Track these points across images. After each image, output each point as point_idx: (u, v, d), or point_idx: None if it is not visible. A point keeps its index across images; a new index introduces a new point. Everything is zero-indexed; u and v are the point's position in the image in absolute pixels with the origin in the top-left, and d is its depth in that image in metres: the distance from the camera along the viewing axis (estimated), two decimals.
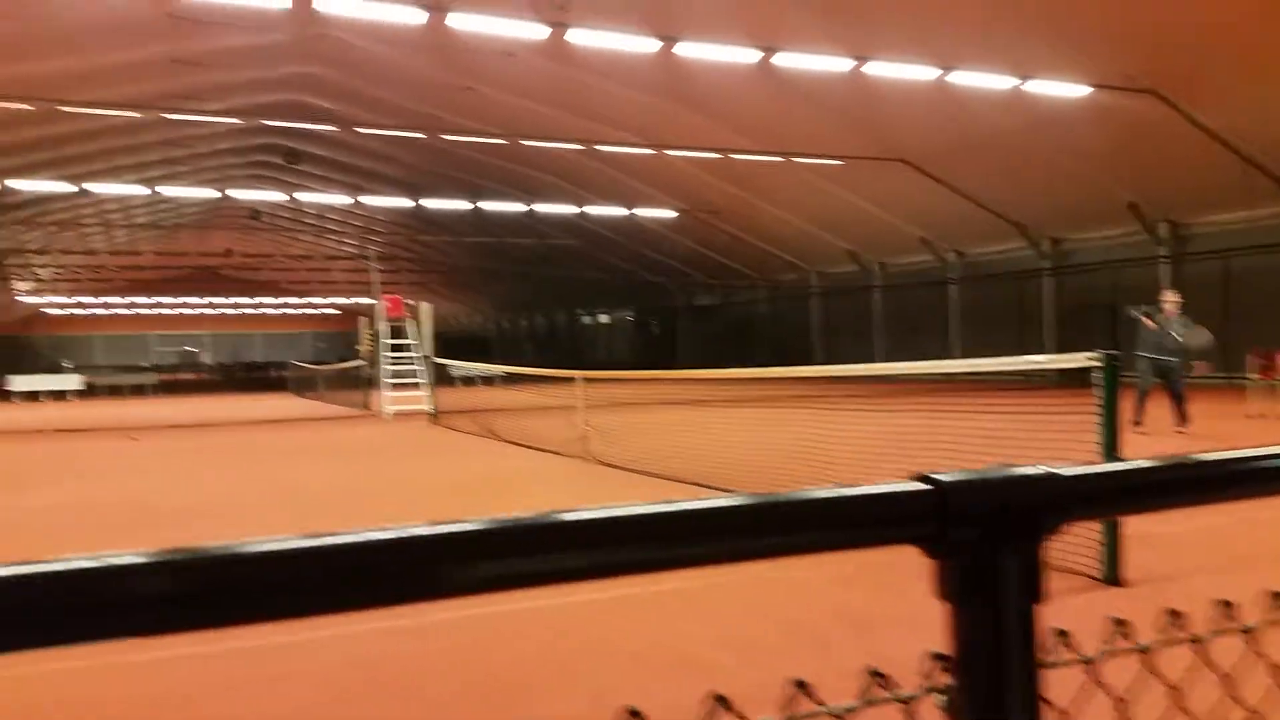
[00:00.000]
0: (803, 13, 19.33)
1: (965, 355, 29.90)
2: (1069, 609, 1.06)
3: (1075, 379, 5.74)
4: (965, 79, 20.63)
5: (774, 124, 25.50)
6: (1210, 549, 6.06)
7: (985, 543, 0.91)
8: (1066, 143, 23.41)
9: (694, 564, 0.85)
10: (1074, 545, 5.23)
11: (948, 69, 20.27)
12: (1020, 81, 20.55)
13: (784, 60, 20.13)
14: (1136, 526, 5.38)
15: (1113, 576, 5.11)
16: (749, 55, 19.90)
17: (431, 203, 36.69)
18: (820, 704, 0.98)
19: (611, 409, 14.38)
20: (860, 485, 0.91)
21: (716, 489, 8.90)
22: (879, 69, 20.44)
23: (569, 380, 13.77)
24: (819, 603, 5.25)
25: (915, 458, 7.02)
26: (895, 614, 5.07)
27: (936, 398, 14.59)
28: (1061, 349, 26.51)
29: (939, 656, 0.97)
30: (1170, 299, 13.63)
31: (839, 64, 20.25)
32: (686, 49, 19.76)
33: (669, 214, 35.09)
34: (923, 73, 20.47)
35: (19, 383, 35.84)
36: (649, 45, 19.54)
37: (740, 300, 43.63)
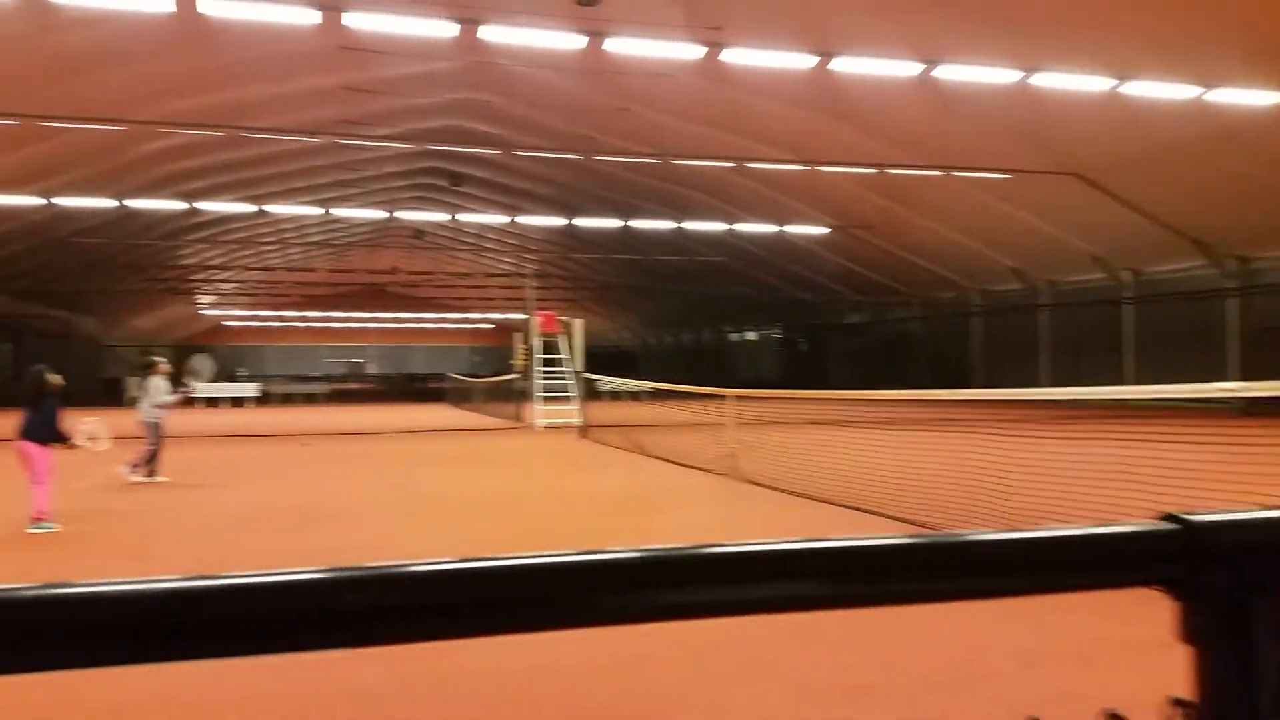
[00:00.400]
0: (967, 24, 18.72)
1: (1139, 380, 28.18)
2: None
3: (1265, 408, 5.25)
4: (1142, 89, 19.55)
5: (934, 137, 24.78)
6: None
7: (1238, 586, 0.84)
8: (1255, 154, 21.78)
9: (924, 600, 0.80)
10: None
11: (1123, 79, 19.25)
12: (1203, 90, 19.30)
13: (946, 73, 19.55)
14: None
15: None
16: (909, 69, 19.43)
17: (583, 221, 37.40)
18: None
19: (760, 427, 14.19)
20: (1092, 524, 0.85)
21: (874, 514, 8.62)
22: (1049, 80, 19.62)
23: (718, 397, 13.69)
24: (984, 635, 4.98)
25: (1098, 490, 6.58)
26: (1061, 649, 4.77)
27: (1108, 425, 13.71)
28: (1246, 375, 24.61)
29: (1180, 702, 0.89)
30: None
31: (1006, 75, 19.53)
32: (843, 64, 19.46)
33: (820, 230, 34.59)
34: (1096, 83, 19.52)
35: (202, 389, 38.47)
36: (804, 61, 19.35)
37: (893, 318, 42.49)
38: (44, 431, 8.85)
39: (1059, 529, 0.83)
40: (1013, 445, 9.36)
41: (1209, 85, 19.17)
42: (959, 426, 13.81)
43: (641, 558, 0.72)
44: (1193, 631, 0.85)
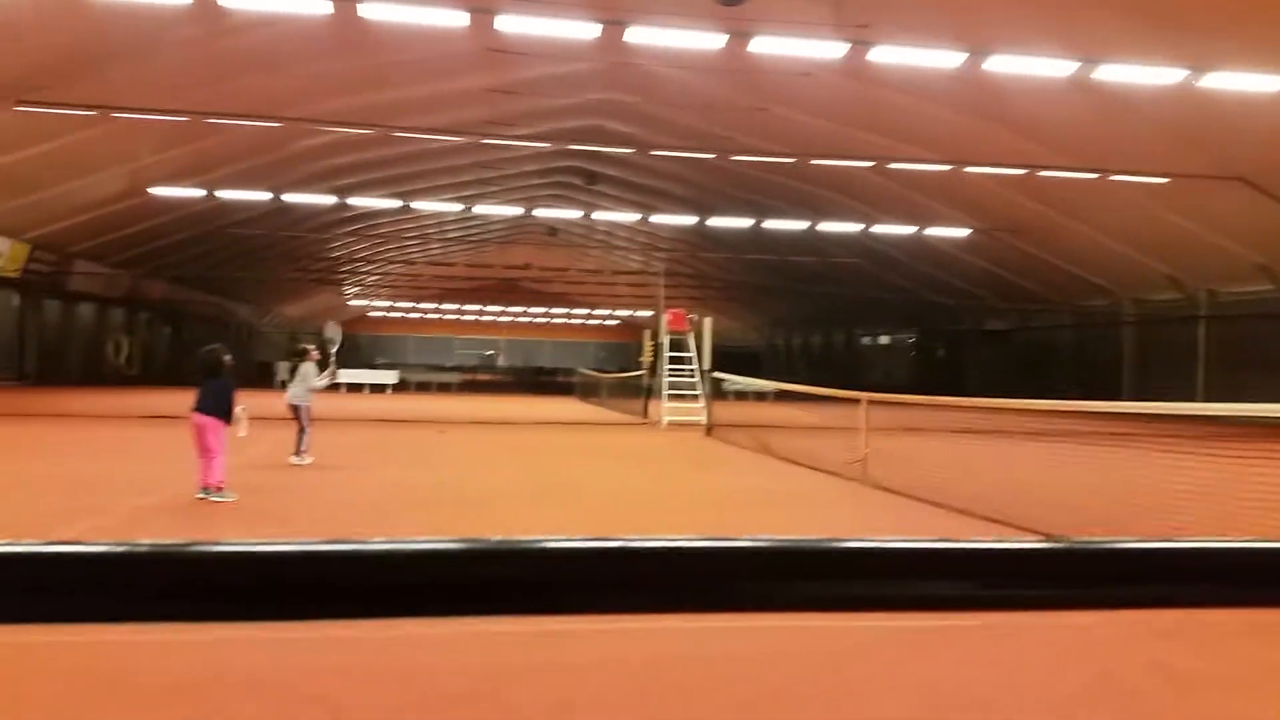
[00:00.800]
0: (1129, 22, 17.79)
1: None
2: None
3: None
4: None
5: (1089, 139, 23.65)
6: None
7: None
8: None
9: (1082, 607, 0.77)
10: None
11: None
12: None
13: (1105, 72, 18.61)
14: None
15: None
16: (1065, 68, 18.59)
17: (715, 221, 37.27)
18: None
19: (892, 433, 13.83)
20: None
21: (1016, 527, 8.26)
22: (1215, 80, 18.44)
23: (849, 401, 13.39)
24: (1131, 655, 4.70)
25: (1263, 515, 6.14)
26: (1218, 674, 4.45)
27: (1275, 446, 12.82)
28: None
29: None
30: None
31: (1168, 75, 18.46)
32: (995, 63, 18.77)
33: (961, 232, 33.50)
34: (1266, 82, 18.24)
35: (345, 375, 40.13)
36: (953, 59, 18.74)
37: (1038, 326, 40.78)
38: (219, 407, 9.23)
39: (1250, 540, 0.76)
40: (1167, 462, 8.84)
41: None
42: (1109, 441, 13.16)
43: (781, 547, 0.72)
44: None
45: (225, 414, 9.29)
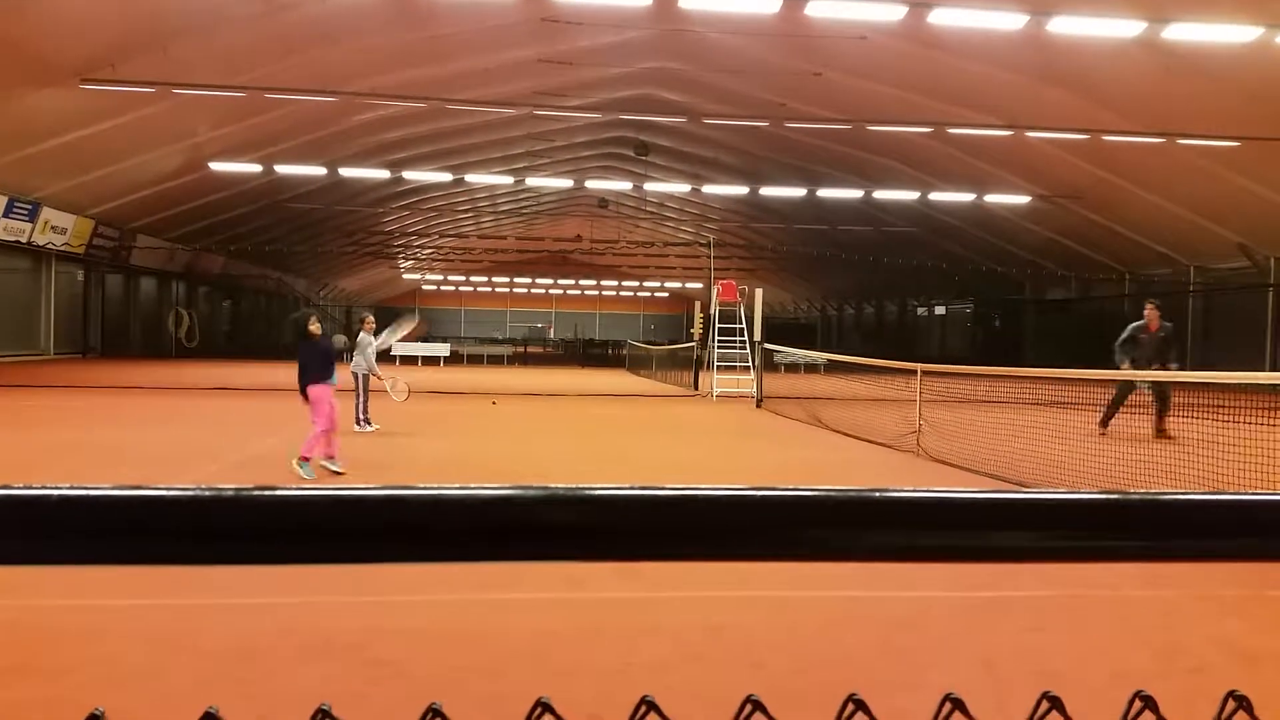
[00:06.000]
0: None
1: None
2: None
3: None
4: None
5: (1155, 101, 22.92)
6: None
7: None
8: None
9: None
10: None
11: None
12: None
13: (1175, 32, 17.98)
14: None
15: None
16: (1132, 28, 17.99)
17: (768, 190, 36.89)
18: None
19: (947, 404, 13.63)
20: None
21: None
22: None
23: (903, 372, 13.21)
24: (1195, 628, 4.60)
25: None
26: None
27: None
28: None
29: None
30: None
31: (1243, 33, 17.77)
32: (1060, 24, 18.23)
33: (1022, 199, 32.77)
34: None
35: (398, 348, 40.57)
36: (1016, 21, 18.24)
37: (1101, 295, 39.85)
38: (321, 374, 9.12)
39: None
40: (1236, 435, 8.60)
41: None
42: (1176, 412, 12.86)
43: (842, 496, 0.74)
44: None
45: (327, 379, 9.16)
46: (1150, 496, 0.75)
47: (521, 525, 0.71)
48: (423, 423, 14.58)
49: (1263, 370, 27.32)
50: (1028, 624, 4.75)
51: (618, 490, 0.73)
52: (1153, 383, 13.09)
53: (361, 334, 13.77)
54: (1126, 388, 13.54)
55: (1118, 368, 13.36)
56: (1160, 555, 0.76)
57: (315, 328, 9.51)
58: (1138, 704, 0.85)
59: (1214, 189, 27.47)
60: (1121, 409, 13.36)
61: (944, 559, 0.76)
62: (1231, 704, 0.85)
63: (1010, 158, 29.76)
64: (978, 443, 10.63)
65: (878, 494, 0.75)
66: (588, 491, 0.72)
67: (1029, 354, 39.99)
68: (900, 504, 0.75)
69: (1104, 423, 13.23)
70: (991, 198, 32.98)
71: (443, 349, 41.88)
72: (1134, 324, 14.11)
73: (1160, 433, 12.81)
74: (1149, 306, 14.08)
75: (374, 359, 13.47)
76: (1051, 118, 24.48)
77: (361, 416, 13.23)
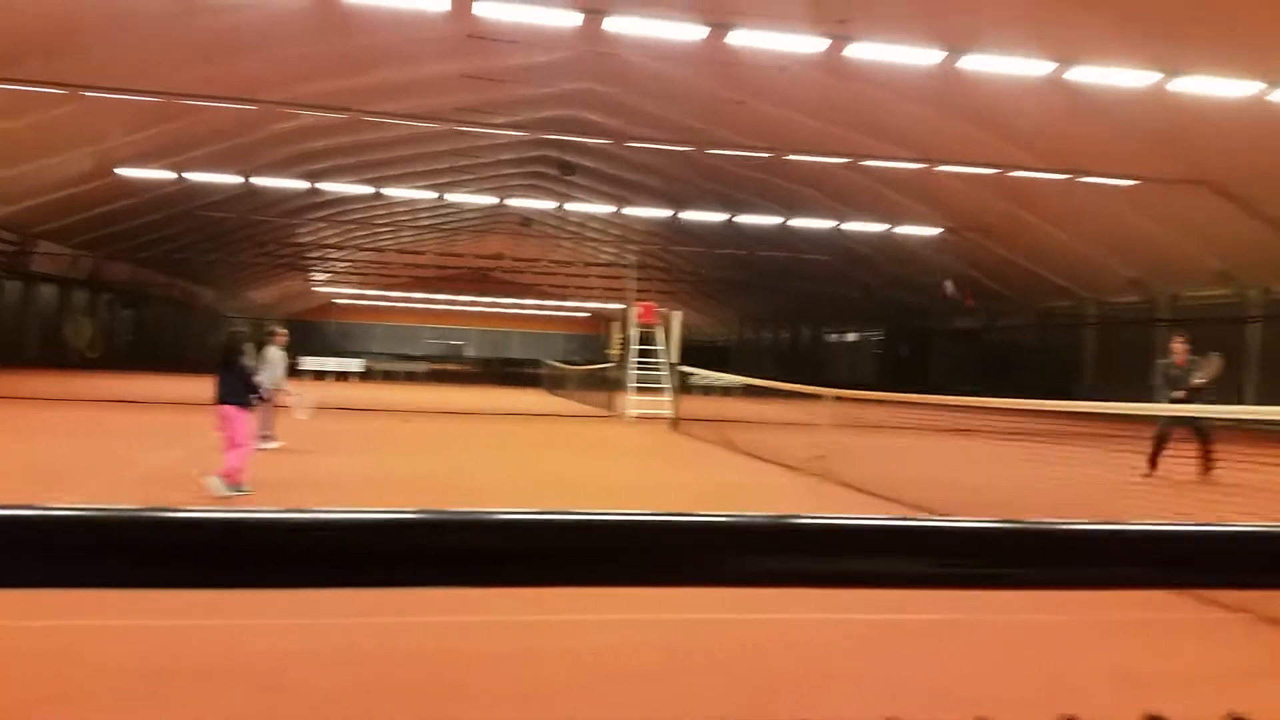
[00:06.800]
0: (1104, 23, 18.04)
1: (1261, 401, 26.80)
2: None
3: None
4: None
5: (1060, 140, 23.98)
6: None
7: None
8: None
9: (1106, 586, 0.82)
10: None
11: (1271, 84, 18.28)
12: None
13: (1080, 74, 18.86)
14: None
15: None
16: (1041, 68, 18.81)
17: (688, 214, 37.32)
18: None
19: (855, 430, 13.96)
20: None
21: None
22: (1187, 84, 18.76)
23: (814, 397, 13.49)
24: (1083, 654, 4.82)
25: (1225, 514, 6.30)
26: (1170, 672, 4.57)
27: (1227, 446, 13.13)
28: None
29: None
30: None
31: (1142, 78, 18.74)
32: (972, 61, 18.96)
33: (931, 231, 33.82)
34: (1238, 88, 18.58)
35: (309, 363, 39.71)
36: (931, 57, 18.90)
37: (1004, 326, 41.30)
38: (240, 394, 8.97)
39: (1237, 525, 0.79)
40: (1119, 461, 9.03)
41: None
42: (1068, 439, 13.38)
43: (736, 523, 0.76)
44: None
45: (246, 401, 9.04)
46: (1042, 526, 0.79)
47: (413, 550, 0.69)
48: (329, 440, 14.32)
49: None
50: (922, 645, 4.89)
51: (516, 515, 0.72)
52: (1192, 418, 12.42)
53: (271, 348, 13.47)
54: (1169, 424, 12.81)
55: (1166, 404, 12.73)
56: (1052, 584, 0.81)
57: (245, 349, 9.39)
58: None
59: (1111, 226, 28.79)
60: (1165, 446, 12.66)
61: (855, 585, 0.77)
62: None
63: (921, 190, 30.72)
64: (887, 469, 10.91)
65: (790, 521, 0.76)
66: (485, 516, 0.71)
67: (934, 381, 41.14)
68: (810, 530, 0.77)
69: (1151, 463, 12.52)
70: (903, 229, 33.96)
71: (355, 365, 41.16)
72: (1162, 361, 13.55)
73: (1207, 470, 12.27)
74: (1176, 340, 13.57)
75: (281, 374, 13.21)
76: (961, 152, 25.36)
77: (265, 433, 12.94)
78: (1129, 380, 32.54)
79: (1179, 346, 13.31)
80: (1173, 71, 18.40)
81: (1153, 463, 12.41)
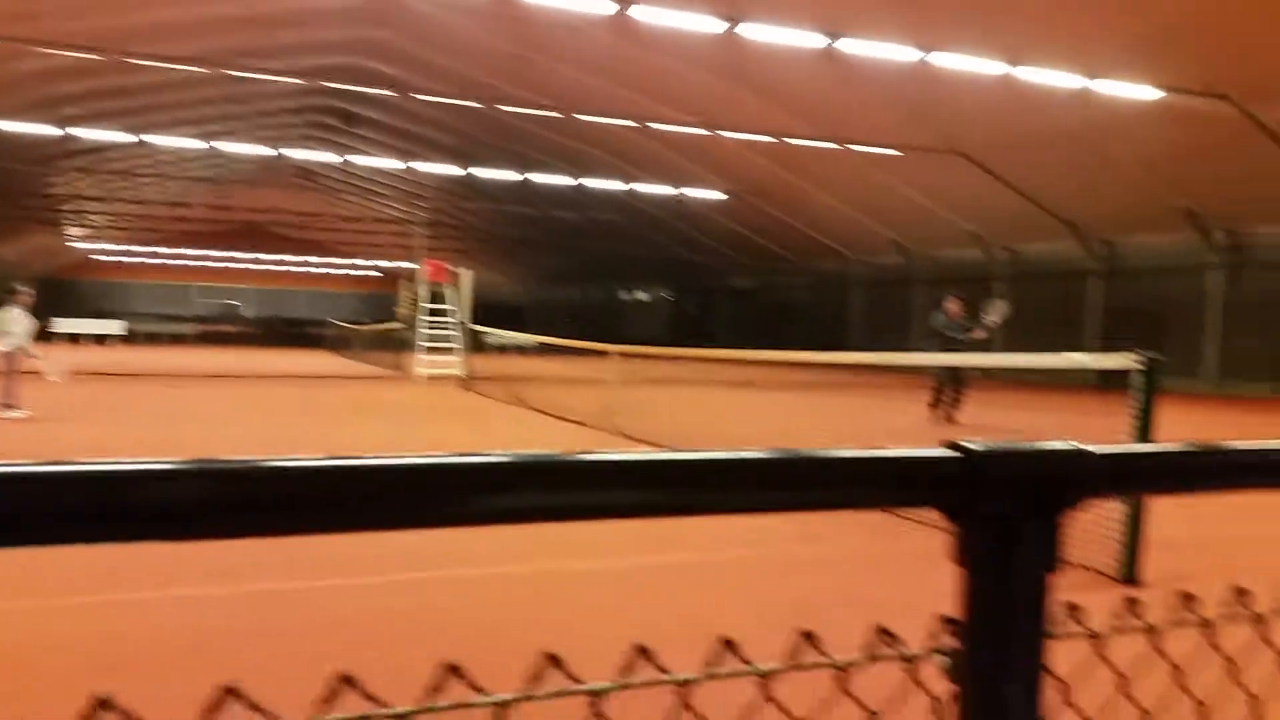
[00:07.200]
0: (873, 0, 19.13)
1: (1007, 353, 29.53)
2: (1081, 602, 1.10)
3: (1118, 381, 5.72)
4: (1032, 75, 20.33)
5: (832, 110, 25.30)
6: (1233, 556, 6.02)
7: (1009, 511, 0.92)
8: (1130, 145, 23.01)
9: (721, 511, 0.90)
10: (1094, 545, 5.23)
11: (1015, 64, 19.99)
12: (1089, 80, 20.21)
13: (849, 46, 19.92)
14: (1159, 532, 5.35)
15: (1130, 576, 5.11)
16: (814, 40, 19.71)
17: (480, 171, 36.84)
18: (825, 655, 1.03)
19: (644, 385, 14.43)
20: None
21: None
22: (945, 60, 20.20)
23: (603, 354, 13.85)
24: (833, 583, 5.31)
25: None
26: (910, 600, 5.10)
27: (974, 393, 14.49)
28: (1106, 352, 26.12)
29: (947, 620, 1.00)
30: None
31: (905, 53, 20.03)
32: (750, 30, 19.62)
33: (717, 195, 34.97)
34: (989, 66, 20.21)
35: (62, 325, 36.62)
36: (713, 25, 19.42)
37: (779, 284, 43.44)
38: None
39: (859, 450, 0.90)
40: (878, 407, 9.86)
41: (1095, 76, 20.09)
42: (838, 390, 14.36)
43: (503, 462, 0.77)
44: (965, 554, 0.92)
45: None
46: (806, 454, 0.87)
47: (142, 504, 0.67)
48: (83, 409, 13.38)
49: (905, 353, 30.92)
50: (689, 585, 5.19)
51: (254, 462, 0.71)
52: (949, 370, 13.28)
53: (13, 309, 12.41)
54: (946, 375, 13.62)
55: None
56: (809, 505, 0.90)
57: None
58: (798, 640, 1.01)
59: (876, 192, 30.76)
60: (948, 394, 13.48)
61: (585, 517, 0.80)
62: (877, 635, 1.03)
63: (706, 155, 31.66)
64: (670, 421, 11.36)
65: (550, 459, 0.77)
66: (218, 465, 0.70)
67: (720, 338, 42.82)
68: (579, 467, 0.79)
69: (936, 409, 13.26)
70: (690, 191, 34.93)
71: (114, 326, 38.30)
72: (937, 315, 14.27)
73: (951, 418, 13.08)
74: (952, 298, 14.32)
75: (27, 336, 12.21)
76: (742, 120, 26.31)
77: (6, 402, 11.96)
78: (890, 335, 35.17)
79: (954, 305, 14.20)
80: (930, 47, 19.77)
81: (936, 407, 13.42)
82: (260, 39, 25.10)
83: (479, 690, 0.91)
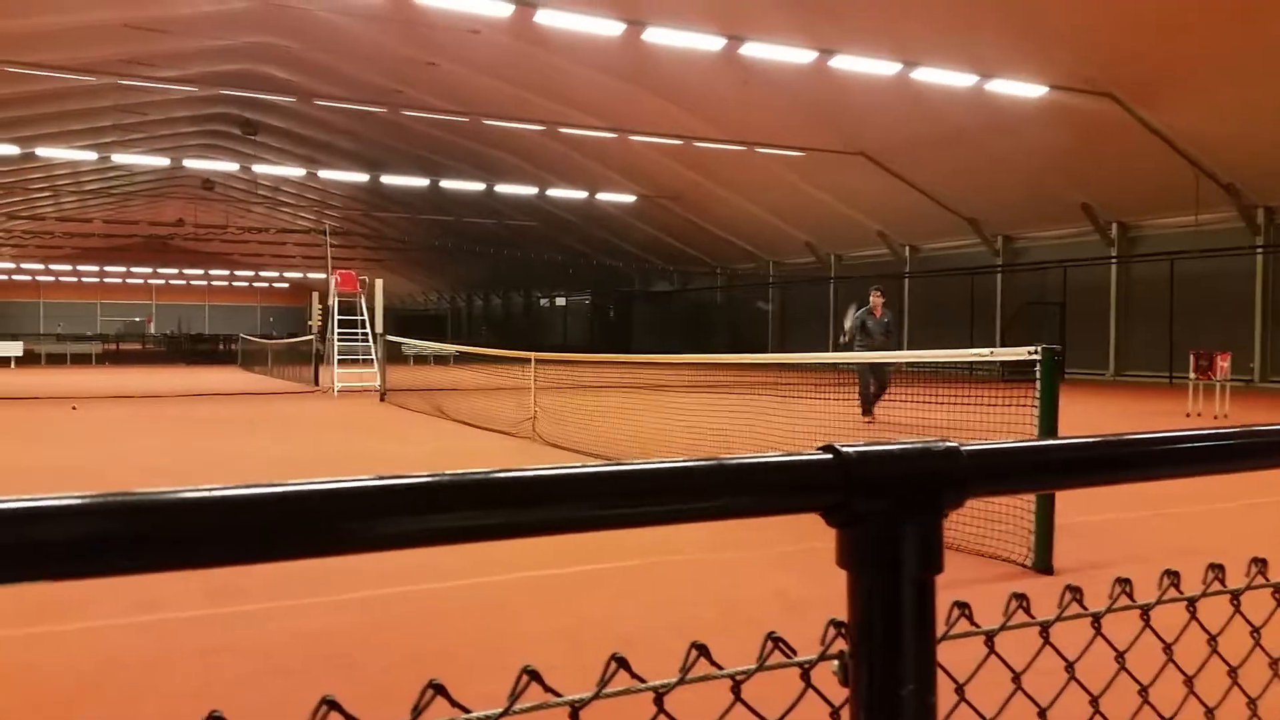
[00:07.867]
0: (769, 2, 19.36)
1: (916, 349, 30.24)
2: (996, 594, 1.12)
3: (1020, 372, 5.87)
4: (927, 75, 20.79)
5: (737, 112, 25.55)
6: (1138, 540, 6.23)
7: (885, 513, 0.91)
8: (1023, 142, 23.75)
9: (604, 526, 0.86)
10: (1006, 534, 5.35)
11: (911, 64, 20.43)
12: (981, 79, 20.77)
13: (750, 50, 20.13)
14: (1069, 517, 5.51)
15: (1044, 565, 5.23)
16: (715, 43, 19.87)
17: (389, 179, 36.27)
18: (717, 666, 1.00)
19: (563, 392, 14.36)
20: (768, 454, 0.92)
21: None
22: (843, 62, 20.53)
23: (522, 361, 13.75)
24: (756, 585, 5.33)
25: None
26: (829, 596, 5.15)
27: (892, 389, 14.75)
28: (1010, 345, 26.93)
29: (837, 624, 0.99)
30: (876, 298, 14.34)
31: (804, 55, 20.31)
32: (653, 34, 19.69)
33: (629, 199, 35.05)
34: (886, 67, 20.61)
35: None
36: (615, 28, 19.44)
37: (696, 287, 43.77)
38: None
39: (734, 458, 0.89)
40: (794, 406, 9.99)
41: (986, 75, 20.67)
42: (755, 390, 14.48)
43: (424, 484, 0.80)
44: (847, 556, 0.92)
45: None
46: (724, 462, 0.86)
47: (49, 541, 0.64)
48: None
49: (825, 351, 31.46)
50: (610, 593, 5.16)
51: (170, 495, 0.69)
52: (874, 366, 13.14)
53: None
54: (867, 372, 13.49)
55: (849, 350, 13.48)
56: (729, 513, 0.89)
57: None
58: (694, 654, 0.99)
59: (786, 194, 31.19)
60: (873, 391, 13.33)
61: (519, 535, 0.80)
62: (770, 644, 1.01)
63: (616, 159, 31.71)
64: (587, 426, 11.31)
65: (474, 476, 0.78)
66: (131, 498, 0.67)
67: (638, 342, 42.94)
68: (503, 484, 0.79)
69: (867, 411, 13.04)
70: (602, 196, 34.93)
71: (13, 348, 36.67)
72: (860, 309, 14.13)
73: (869, 413, 12.93)
74: (874, 293, 14.20)
75: None
76: (650, 123, 26.41)
77: None
78: (803, 334, 35.74)
79: (877, 299, 14.24)
80: (829, 49, 20.10)
81: (864, 405, 13.15)
82: (150, 46, 24.26)
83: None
